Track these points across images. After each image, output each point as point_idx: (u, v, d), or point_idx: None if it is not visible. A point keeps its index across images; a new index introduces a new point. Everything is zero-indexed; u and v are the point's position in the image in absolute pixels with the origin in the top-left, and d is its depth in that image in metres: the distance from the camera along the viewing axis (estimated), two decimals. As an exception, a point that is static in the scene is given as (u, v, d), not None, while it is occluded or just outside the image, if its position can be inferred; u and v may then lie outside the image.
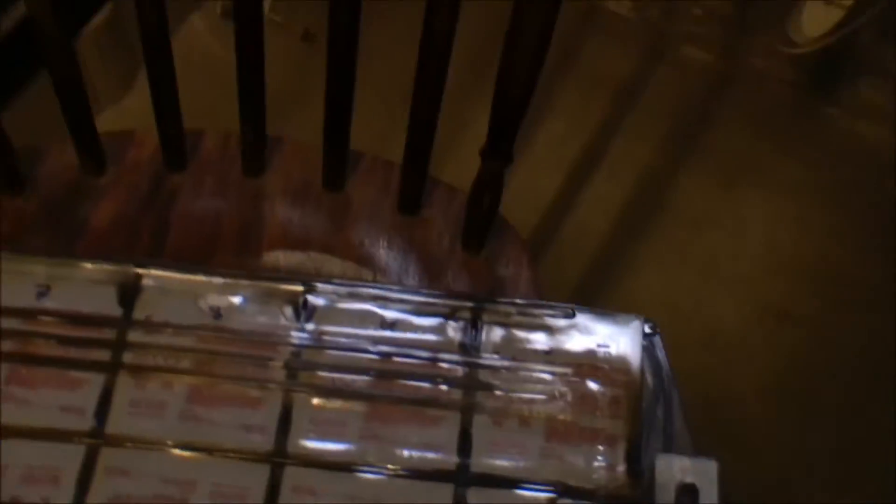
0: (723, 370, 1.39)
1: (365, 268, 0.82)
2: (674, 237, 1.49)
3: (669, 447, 0.70)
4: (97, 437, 0.66)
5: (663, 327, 0.76)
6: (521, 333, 0.71)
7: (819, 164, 1.52)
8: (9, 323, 0.69)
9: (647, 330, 0.73)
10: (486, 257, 0.83)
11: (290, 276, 0.72)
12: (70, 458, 0.65)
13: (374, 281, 0.81)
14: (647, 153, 1.53)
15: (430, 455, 0.67)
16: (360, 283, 0.72)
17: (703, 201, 1.51)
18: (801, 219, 1.49)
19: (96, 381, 0.68)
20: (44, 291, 0.70)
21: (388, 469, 0.66)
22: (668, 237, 1.49)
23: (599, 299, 1.42)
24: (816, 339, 1.41)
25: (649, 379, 0.71)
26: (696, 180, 1.51)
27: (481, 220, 0.81)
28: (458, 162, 0.87)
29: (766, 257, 1.48)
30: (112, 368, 0.68)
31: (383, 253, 0.83)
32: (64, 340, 0.69)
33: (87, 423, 0.66)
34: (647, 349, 0.72)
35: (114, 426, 0.66)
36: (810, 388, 1.38)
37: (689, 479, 0.68)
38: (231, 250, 0.81)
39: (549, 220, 1.48)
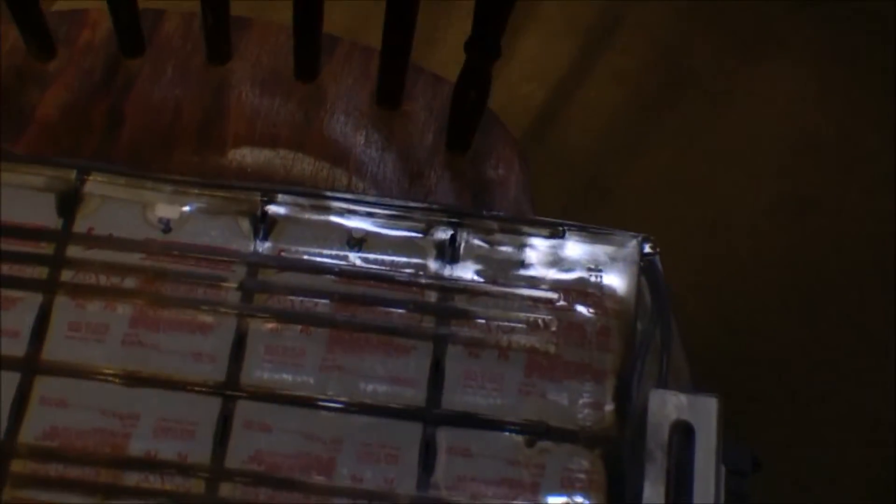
0: (733, 257, 1.32)
1: (339, 167, 0.74)
2: (689, 114, 1.40)
3: (664, 382, 0.63)
4: (32, 364, 0.60)
5: (674, 212, 0.68)
6: (503, 253, 0.64)
7: (845, 36, 1.41)
8: (-66, 235, 0.62)
9: (647, 250, 0.66)
10: (473, 157, 0.76)
11: (248, 184, 0.65)
12: (2, 386, 0.59)
13: (349, 183, 0.74)
14: (663, 24, 1.42)
15: (398, 389, 0.61)
16: (325, 194, 0.65)
17: (722, 76, 1.41)
18: (824, 96, 1.39)
19: (32, 301, 0.61)
20: (-25, 199, 0.63)
21: (350, 404, 0.60)
22: (684, 114, 1.40)
23: (609, 178, 1.34)
24: (837, 224, 1.34)
25: (646, 306, 0.64)
26: (715, 54, 1.41)
27: (467, 117, 0.73)
28: (447, 50, 0.78)
29: (787, 136, 1.39)
30: (49, 287, 0.62)
31: (360, 151, 0.75)
32: (-4, 255, 0.62)
33: (21, 347, 0.60)
34: (646, 271, 0.65)
35: (50, 351, 0.60)
36: (827, 276, 1.31)
37: (684, 417, 0.62)
38: (191, 146, 0.74)
39: (559, 95, 1.39)
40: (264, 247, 0.63)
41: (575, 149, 1.37)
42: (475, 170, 0.75)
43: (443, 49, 0.79)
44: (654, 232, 0.66)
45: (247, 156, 0.74)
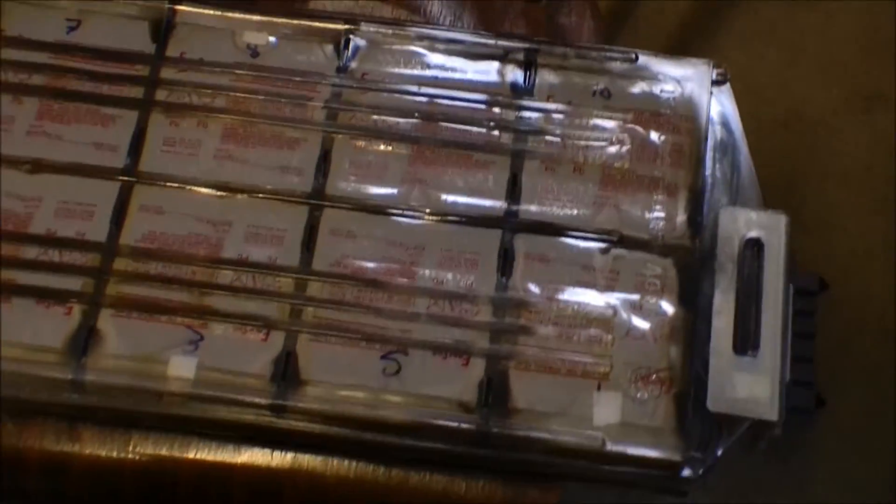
0: (806, 151, 1.32)
1: (416, 15, 0.76)
2: (761, 15, 1.39)
3: (735, 200, 0.65)
4: (131, 175, 0.63)
5: (746, 109, 0.70)
6: (578, 78, 0.66)
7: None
8: (38, 57, 0.66)
9: (716, 77, 0.67)
10: (547, 5, 0.77)
11: (332, 14, 0.68)
12: (104, 194, 0.63)
13: (426, 28, 0.76)
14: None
15: (477, 201, 0.63)
16: (406, 23, 0.68)
17: (795, -24, 1.40)
18: (900, -5, 1.38)
19: (129, 118, 0.65)
20: (74, 26, 0.67)
21: (431, 213, 0.63)
22: (756, 15, 1.40)
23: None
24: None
25: (715, 128, 0.66)
26: (787, -47, 1.40)
27: (541, -38, 0.75)
28: None
29: (860, 38, 1.38)
30: (145, 105, 0.65)
31: (438, 1, 0.77)
32: (95, 76, 0.66)
33: (120, 160, 0.64)
34: (716, 97, 0.67)
35: (147, 164, 0.64)
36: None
37: (754, 234, 0.63)
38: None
39: (625, 5, 1.39)
40: (348, 69, 0.66)
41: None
42: (549, 18, 0.77)
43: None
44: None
45: (328, 5, 0.77)
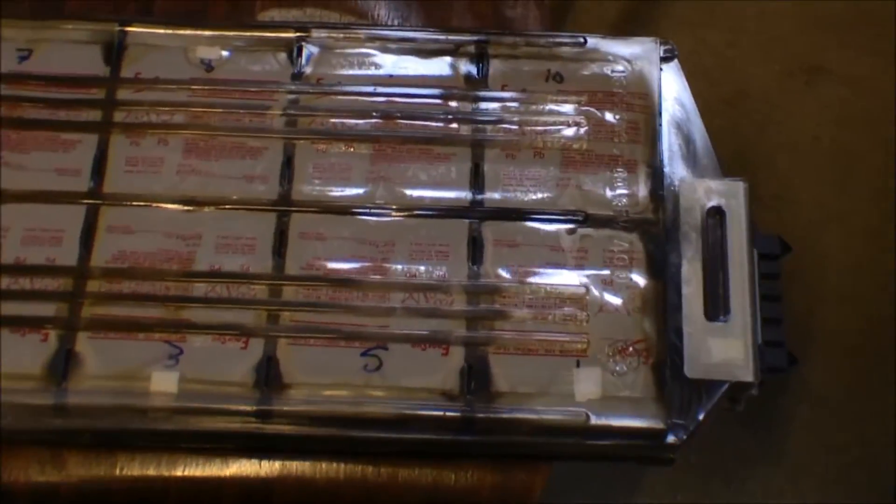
0: (754, 127, 1.34)
1: (365, 20, 0.77)
2: (700, 1, 1.42)
3: (694, 171, 0.66)
4: (96, 197, 0.64)
5: (693, 91, 0.72)
6: (529, 65, 0.67)
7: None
8: (-8, 89, 0.66)
9: (664, 53, 0.69)
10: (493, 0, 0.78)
11: (282, 23, 0.68)
12: (71, 218, 0.63)
13: (375, 31, 0.77)
14: None
15: (442, 193, 0.64)
16: (356, 25, 0.68)
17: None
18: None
19: (89, 141, 0.65)
20: (25, 55, 0.67)
21: (397, 209, 0.63)
22: (695, 1, 1.42)
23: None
24: (852, 91, 1.36)
25: (668, 103, 0.67)
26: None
27: (483, -43, 0.76)
28: None
29: (796, 12, 1.41)
30: (104, 127, 0.65)
31: (383, 2, 0.78)
32: (52, 103, 0.66)
33: (84, 183, 0.64)
34: (666, 73, 0.68)
35: (112, 185, 0.64)
36: (846, 142, 1.33)
37: (715, 202, 0.65)
38: (222, 12, 0.77)
39: (566, -8, 1.41)
40: (303, 75, 0.67)
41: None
42: (495, 11, 0.78)
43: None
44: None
45: (276, 16, 0.77)
